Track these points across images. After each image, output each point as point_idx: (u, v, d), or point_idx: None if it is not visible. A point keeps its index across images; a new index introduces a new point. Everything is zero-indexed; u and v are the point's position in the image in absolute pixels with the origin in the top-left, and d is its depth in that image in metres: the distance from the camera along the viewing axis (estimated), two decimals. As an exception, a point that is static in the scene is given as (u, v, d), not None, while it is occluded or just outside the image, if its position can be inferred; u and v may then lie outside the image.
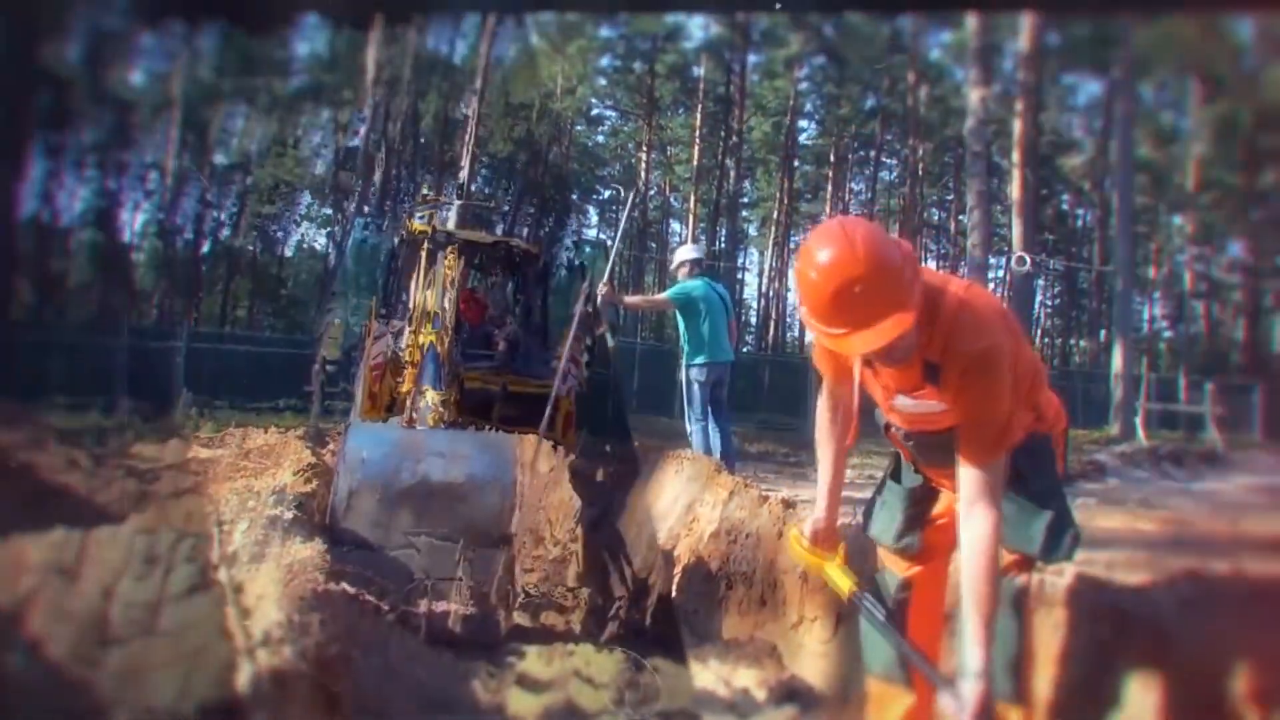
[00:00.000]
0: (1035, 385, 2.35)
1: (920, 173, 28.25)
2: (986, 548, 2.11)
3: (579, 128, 26.77)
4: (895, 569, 2.55)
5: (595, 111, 27.54)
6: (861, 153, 29.31)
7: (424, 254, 7.01)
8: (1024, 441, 2.28)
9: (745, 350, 24.45)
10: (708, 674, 3.46)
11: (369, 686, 2.69)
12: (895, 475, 2.57)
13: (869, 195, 29.55)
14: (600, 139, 28.75)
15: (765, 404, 19.47)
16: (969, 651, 2.09)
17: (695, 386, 6.65)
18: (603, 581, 5.06)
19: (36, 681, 2.30)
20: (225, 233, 23.26)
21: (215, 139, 21.44)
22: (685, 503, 5.19)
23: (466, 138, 20.06)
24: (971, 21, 16.05)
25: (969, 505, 2.15)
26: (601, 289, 6.35)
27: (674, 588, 4.50)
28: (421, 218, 8.26)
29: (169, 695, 2.23)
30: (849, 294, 1.99)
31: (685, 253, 7.15)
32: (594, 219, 29.17)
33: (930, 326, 2.15)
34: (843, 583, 2.43)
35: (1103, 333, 26.90)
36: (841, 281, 1.99)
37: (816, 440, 2.57)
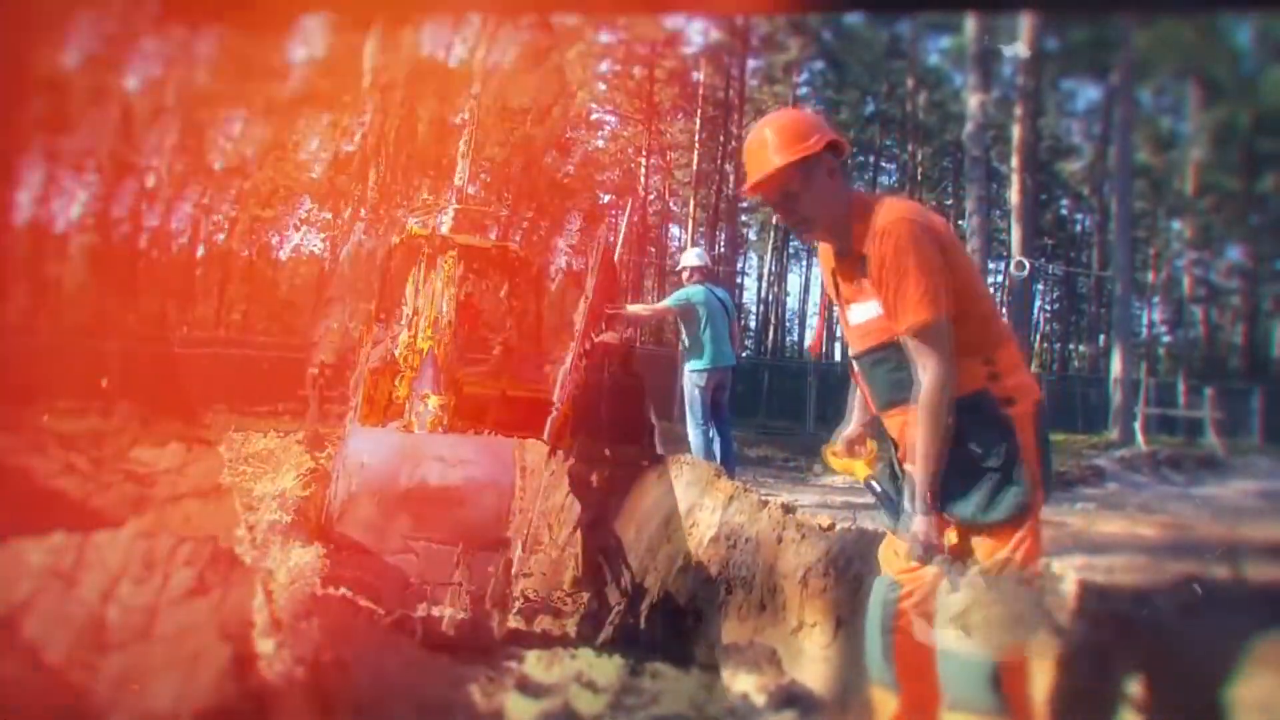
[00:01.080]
0: (987, 332, 2.33)
1: (919, 177, 28.29)
2: (931, 397, 2.24)
3: (578, 132, 26.76)
4: (889, 569, 2.47)
5: (594, 116, 27.56)
6: (860, 158, 29.31)
7: (422, 258, 7.01)
8: (968, 398, 2.25)
9: (745, 355, 24.44)
10: (707, 679, 3.45)
11: (366, 691, 2.68)
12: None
13: (868, 199, 29.53)
14: (599, 144, 28.76)
15: (765, 408, 19.47)
16: (911, 492, 2.28)
17: (695, 391, 6.65)
18: (600, 586, 5.05)
19: (35, 686, 2.29)
20: (221, 236, 23.25)
21: (213, 142, 21.43)
22: (685, 507, 5.18)
23: (464, 142, 20.05)
24: (970, 26, 16.09)
25: (920, 367, 2.27)
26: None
27: (672, 592, 4.49)
28: (419, 222, 8.26)
29: (167, 700, 2.22)
30: (758, 142, 2.48)
31: (688, 259, 7.15)
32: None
33: (864, 224, 2.36)
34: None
35: (1102, 337, 26.95)
36: (757, 134, 2.51)
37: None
